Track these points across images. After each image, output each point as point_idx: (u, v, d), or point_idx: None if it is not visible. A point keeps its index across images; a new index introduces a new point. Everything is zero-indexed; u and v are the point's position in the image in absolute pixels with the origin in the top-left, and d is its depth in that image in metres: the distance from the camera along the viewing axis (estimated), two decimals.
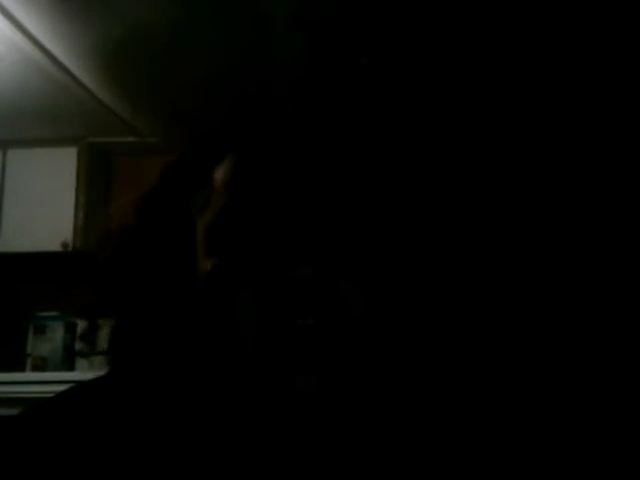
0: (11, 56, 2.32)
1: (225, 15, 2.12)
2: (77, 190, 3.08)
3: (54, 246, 3.00)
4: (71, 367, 3.05)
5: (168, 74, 2.54)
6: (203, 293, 0.54)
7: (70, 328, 3.10)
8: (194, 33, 2.24)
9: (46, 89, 2.57)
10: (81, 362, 3.09)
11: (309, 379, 0.52)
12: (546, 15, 1.86)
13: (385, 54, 2.00)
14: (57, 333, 3.05)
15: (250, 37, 2.26)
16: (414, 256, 0.58)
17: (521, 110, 1.78)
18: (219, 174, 0.56)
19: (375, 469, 0.54)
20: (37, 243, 3.00)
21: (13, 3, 2.02)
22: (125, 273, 0.61)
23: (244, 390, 0.54)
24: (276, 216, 0.53)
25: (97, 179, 3.24)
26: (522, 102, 1.80)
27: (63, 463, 0.51)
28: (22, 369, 2.96)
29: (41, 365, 2.98)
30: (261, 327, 0.51)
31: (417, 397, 0.58)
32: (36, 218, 3.02)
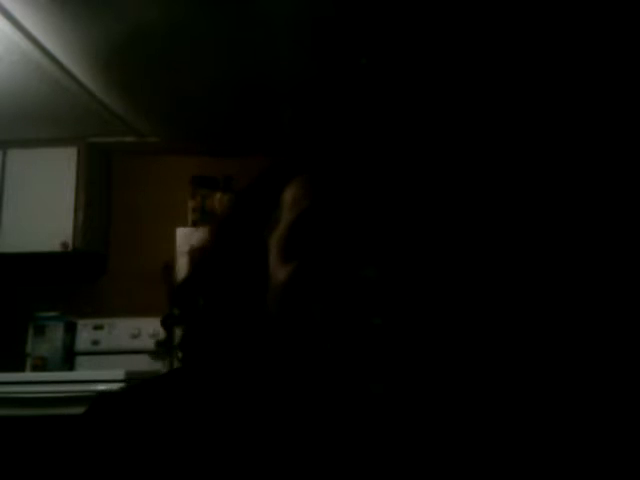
0: (11, 56, 2.32)
1: (225, 15, 2.13)
2: (77, 190, 3.08)
3: (54, 246, 3.00)
4: (71, 367, 3.06)
5: (168, 74, 2.54)
6: (280, 298, 0.58)
7: (70, 328, 3.10)
8: (194, 33, 2.24)
9: (46, 89, 2.57)
10: (81, 362, 3.09)
11: (377, 383, 0.55)
12: (546, 15, 1.86)
13: (385, 54, 2.00)
14: (57, 333, 3.06)
15: (250, 37, 2.26)
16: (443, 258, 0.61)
17: (521, 110, 1.78)
18: (288, 195, 0.62)
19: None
20: (37, 243, 3.00)
21: (13, 3, 2.02)
22: (202, 290, 0.66)
23: (316, 392, 0.57)
24: (343, 224, 0.58)
25: (97, 179, 3.24)
26: (522, 102, 1.80)
27: (128, 454, 0.54)
28: (22, 369, 2.97)
29: (41, 365, 2.99)
30: (333, 327, 0.55)
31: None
32: (36, 218, 3.02)
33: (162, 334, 0.71)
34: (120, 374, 2.49)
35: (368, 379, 0.55)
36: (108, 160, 3.37)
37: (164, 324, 0.70)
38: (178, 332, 0.67)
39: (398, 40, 2.00)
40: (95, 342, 3.11)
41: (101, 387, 2.44)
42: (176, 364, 0.68)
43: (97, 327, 3.13)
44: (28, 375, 2.85)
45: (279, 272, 0.59)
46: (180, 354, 0.66)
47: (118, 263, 3.26)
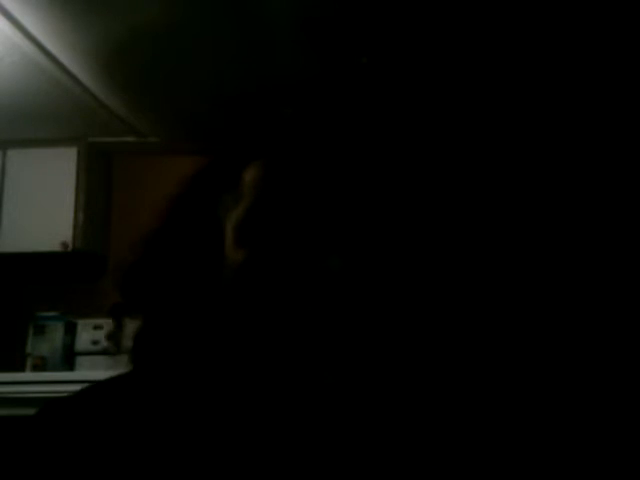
0: (11, 56, 2.32)
1: (225, 15, 2.12)
2: (77, 190, 3.08)
3: (54, 246, 3.00)
4: (71, 367, 3.05)
5: (168, 74, 2.54)
6: (233, 282, 0.55)
7: (70, 328, 3.10)
8: (194, 33, 2.24)
9: (46, 89, 2.57)
10: (81, 362, 3.09)
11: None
12: (546, 15, 1.86)
13: (385, 53, 2.00)
14: (57, 333, 3.05)
15: (250, 37, 2.26)
16: (422, 250, 0.59)
17: (521, 109, 1.78)
18: (248, 176, 0.59)
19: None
20: (37, 243, 3.00)
21: (13, 3, 2.02)
22: (152, 274, 0.62)
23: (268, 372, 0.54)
24: (303, 210, 0.55)
25: (97, 179, 3.24)
26: (522, 101, 1.80)
27: (78, 456, 0.52)
28: (22, 369, 2.96)
29: (41, 365, 2.98)
30: (290, 312, 0.52)
31: (418, 394, 0.58)
32: (36, 218, 3.02)
33: (110, 326, 0.68)
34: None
35: (322, 368, 0.52)
36: (108, 160, 3.37)
37: (112, 314, 0.66)
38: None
39: (399, 39, 2.00)
40: (95, 342, 3.11)
41: None
42: (126, 359, 0.65)
43: (97, 327, 3.12)
44: (28, 375, 2.85)
45: (233, 255, 0.56)
46: (131, 348, 0.63)
47: (119, 263, 3.26)
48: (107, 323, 3.12)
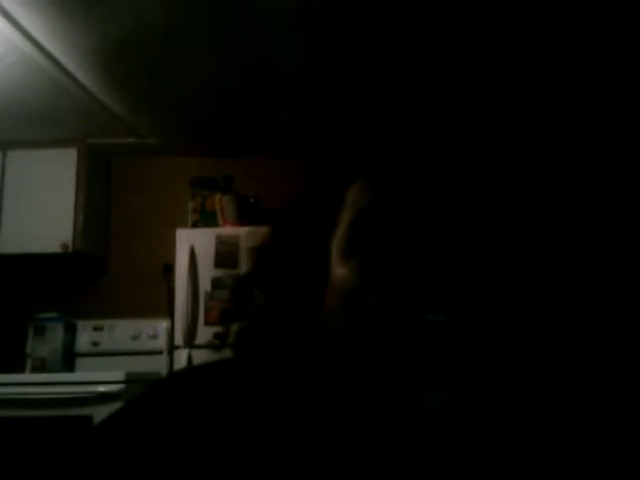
0: (11, 57, 2.32)
1: (225, 16, 2.13)
2: (77, 191, 3.08)
3: (54, 247, 3.00)
4: (70, 368, 3.06)
5: (168, 76, 2.54)
6: (338, 296, 0.57)
7: (70, 329, 3.10)
8: (194, 35, 2.24)
9: (46, 90, 2.58)
10: (81, 363, 3.09)
11: (439, 393, 0.52)
12: (546, 15, 1.86)
13: (385, 54, 2.00)
14: (57, 334, 3.06)
15: (250, 38, 2.26)
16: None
17: (522, 109, 1.78)
18: (350, 196, 0.61)
19: None
20: (37, 244, 3.00)
21: (13, 4, 2.02)
22: (260, 286, 0.66)
23: (364, 399, 0.55)
24: (404, 221, 0.56)
25: (96, 180, 3.24)
26: (523, 101, 1.80)
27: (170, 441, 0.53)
28: (22, 370, 2.97)
29: (41, 366, 2.98)
30: (388, 323, 0.53)
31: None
32: (36, 219, 3.02)
33: (220, 329, 0.71)
34: (120, 375, 2.49)
35: (427, 387, 0.52)
36: (108, 161, 3.37)
37: (222, 320, 0.72)
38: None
39: (398, 40, 2.00)
40: (95, 343, 3.11)
41: (101, 388, 2.43)
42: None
43: (97, 328, 3.13)
44: (28, 376, 2.85)
45: (338, 270, 0.58)
46: (232, 350, 0.65)
47: (118, 264, 3.26)
48: (107, 324, 3.12)
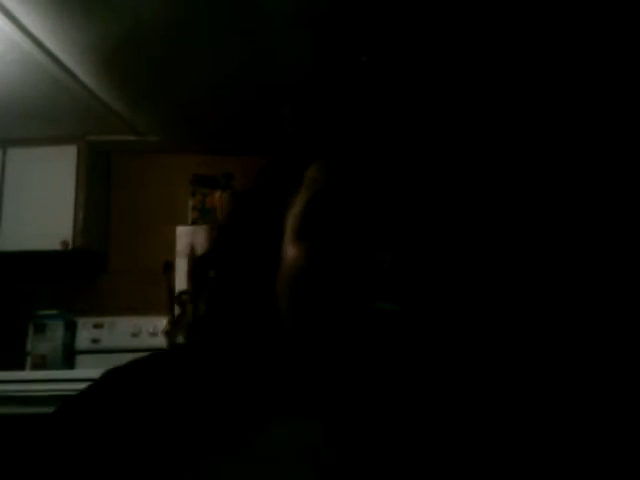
0: (10, 55, 2.32)
1: (225, 14, 2.12)
2: (77, 189, 3.08)
3: (54, 245, 3.00)
4: (71, 365, 3.06)
5: (168, 73, 2.54)
6: (288, 278, 0.57)
7: (70, 327, 3.10)
8: (194, 32, 2.24)
9: (46, 88, 2.57)
10: (81, 360, 3.10)
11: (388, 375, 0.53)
12: (546, 15, 1.86)
13: (385, 52, 2.00)
14: (57, 332, 3.06)
15: (250, 36, 2.26)
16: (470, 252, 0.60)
17: (522, 106, 1.78)
18: (308, 174, 0.61)
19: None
20: (37, 242, 3.00)
21: (13, 2, 2.02)
22: (217, 266, 0.65)
23: (318, 381, 0.56)
24: (361, 205, 0.57)
25: (97, 178, 3.24)
26: (523, 98, 1.80)
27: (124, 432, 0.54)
28: (22, 367, 2.97)
29: (41, 363, 2.99)
30: (337, 309, 0.53)
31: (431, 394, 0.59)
32: (36, 217, 3.02)
33: (177, 312, 0.71)
34: None
35: (376, 372, 0.54)
36: (108, 159, 3.37)
37: (178, 299, 0.72)
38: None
39: (399, 38, 2.00)
40: (95, 340, 3.11)
41: None
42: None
43: (97, 325, 3.13)
44: (28, 374, 2.85)
45: (290, 250, 0.58)
46: (188, 329, 0.65)
47: (118, 262, 3.26)
48: (107, 322, 3.13)
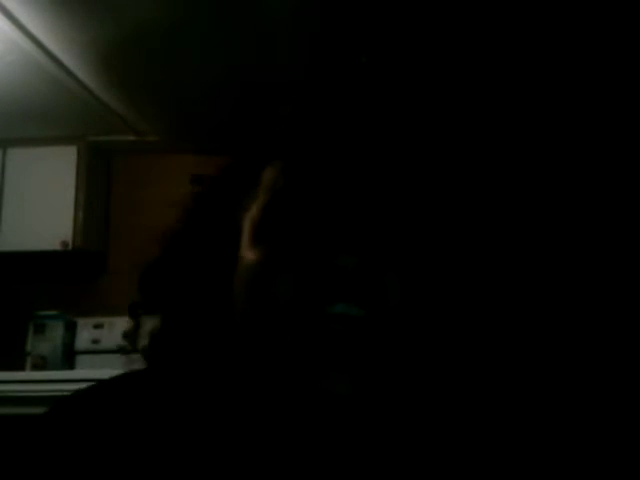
0: (10, 55, 2.32)
1: (224, 14, 2.12)
2: (77, 189, 3.08)
3: (54, 245, 3.00)
4: (71, 366, 3.06)
5: (168, 73, 2.54)
6: (245, 283, 0.54)
7: (70, 327, 3.10)
8: (193, 33, 2.24)
9: (46, 88, 2.57)
10: (81, 360, 3.09)
11: (344, 378, 0.50)
12: (546, 14, 1.86)
13: (385, 53, 2.00)
14: (57, 332, 3.05)
15: (249, 37, 2.26)
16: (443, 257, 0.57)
17: (522, 108, 1.78)
18: (265, 175, 0.58)
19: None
20: (37, 242, 3.00)
21: (13, 2, 2.02)
22: (170, 273, 0.61)
23: (275, 388, 0.53)
24: (321, 208, 0.53)
25: (97, 178, 3.24)
26: (523, 100, 1.80)
27: (83, 455, 0.51)
28: (22, 368, 2.97)
29: (41, 364, 2.98)
30: (299, 312, 0.50)
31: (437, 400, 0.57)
32: (36, 217, 3.02)
33: (129, 325, 0.67)
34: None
35: (336, 378, 0.50)
36: (108, 159, 3.37)
37: (131, 312, 0.66)
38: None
39: (399, 38, 2.00)
40: (95, 341, 3.11)
41: None
42: (140, 358, 0.64)
43: (97, 326, 3.13)
44: (28, 374, 2.85)
45: (248, 254, 0.54)
46: (145, 347, 0.62)
47: (118, 262, 3.26)
48: (107, 322, 3.12)
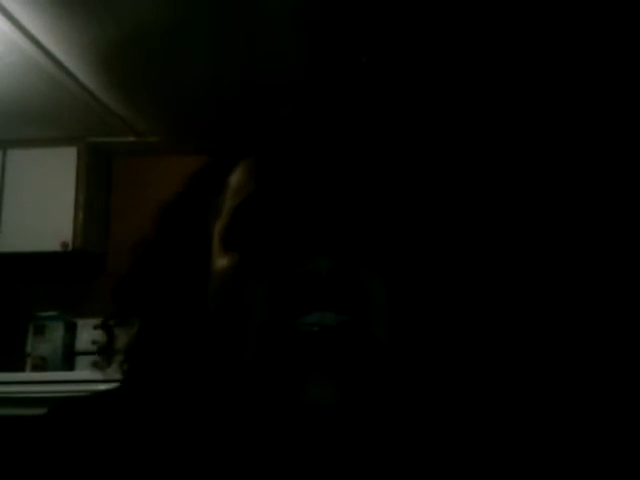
0: (11, 56, 2.31)
1: (224, 14, 2.12)
2: (77, 190, 3.08)
3: (54, 246, 3.00)
4: (71, 367, 3.05)
5: (168, 74, 2.53)
6: (218, 291, 0.52)
7: (70, 328, 3.10)
8: (193, 33, 2.24)
9: (46, 89, 2.57)
10: (81, 361, 3.09)
11: (326, 387, 0.48)
12: (546, 15, 1.85)
13: (385, 52, 2.00)
14: (57, 333, 3.05)
15: (249, 37, 2.26)
16: (423, 252, 0.55)
17: (521, 108, 1.78)
18: (233, 179, 0.56)
19: None
20: (37, 243, 2.99)
21: (13, 3, 2.02)
22: (143, 283, 0.60)
23: (251, 401, 0.51)
24: (292, 210, 0.51)
25: (97, 179, 3.24)
26: (522, 100, 1.80)
27: (67, 469, 0.50)
28: (22, 369, 2.96)
29: (41, 365, 2.98)
30: (272, 322, 0.48)
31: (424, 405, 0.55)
32: (36, 218, 3.01)
33: (103, 339, 0.65)
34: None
35: (317, 388, 0.47)
36: (108, 160, 3.37)
37: (104, 326, 0.64)
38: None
39: (398, 38, 2.00)
40: (95, 342, 3.10)
41: (101, 387, 2.43)
42: (118, 371, 0.61)
43: (97, 327, 3.12)
44: (28, 375, 2.85)
45: (219, 261, 0.53)
46: (121, 360, 0.60)
47: (118, 262, 3.25)
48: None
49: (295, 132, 0.56)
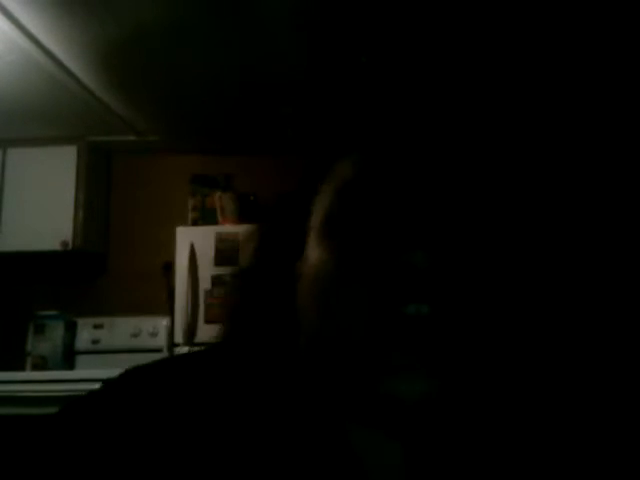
0: (11, 55, 2.32)
1: (224, 14, 2.12)
2: (77, 189, 3.08)
3: (54, 245, 3.00)
4: (71, 366, 3.06)
5: (167, 73, 2.54)
6: (312, 283, 0.52)
7: (70, 327, 3.10)
8: (193, 33, 2.24)
9: (46, 88, 2.57)
10: (81, 360, 3.10)
11: (415, 382, 0.48)
12: (547, 14, 1.86)
13: (385, 52, 2.00)
14: (57, 332, 3.06)
15: (249, 36, 2.26)
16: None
17: (523, 107, 1.78)
18: (339, 168, 0.56)
19: None
20: (37, 242, 3.00)
21: (13, 2, 2.02)
22: (249, 277, 0.60)
23: (341, 391, 0.51)
24: (391, 204, 0.51)
25: (97, 178, 3.24)
26: (524, 99, 1.80)
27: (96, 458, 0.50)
28: (22, 368, 2.97)
29: (41, 364, 2.99)
30: (370, 314, 0.48)
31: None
32: (36, 217, 3.02)
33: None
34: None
35: (408, 379, 0.48)
36: (108, 159, 3.37)
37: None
38: None
39: (399, 38, 2.00)
40: (95, 341, 3.11)
41: None
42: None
43: (97, 326, 3.13)
44: (28, 374, 2.85)
45: (315, 250, 0.52)
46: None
47: (118, 262, 3.27)
48: (107, 322, 3.13)
49: (399, 125, 0.56)
